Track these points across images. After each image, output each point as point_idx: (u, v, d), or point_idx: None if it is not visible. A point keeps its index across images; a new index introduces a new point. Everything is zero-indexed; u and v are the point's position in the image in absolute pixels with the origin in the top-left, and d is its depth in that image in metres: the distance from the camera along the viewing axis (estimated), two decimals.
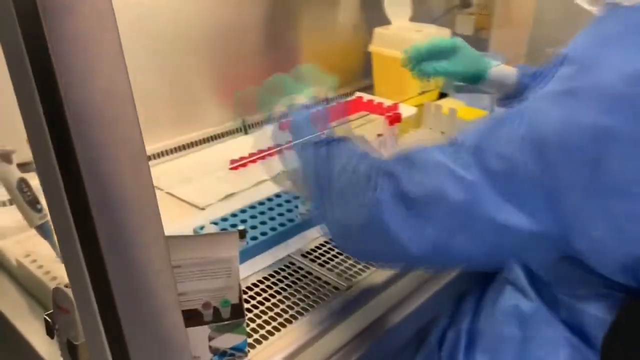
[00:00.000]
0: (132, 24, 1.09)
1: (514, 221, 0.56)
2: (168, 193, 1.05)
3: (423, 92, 1.55)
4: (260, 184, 1.08)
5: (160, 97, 1.19)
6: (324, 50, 1.54)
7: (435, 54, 1.01)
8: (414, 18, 1.60)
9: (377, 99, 1.54)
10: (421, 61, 1.03)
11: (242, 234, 0.83)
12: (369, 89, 1.66)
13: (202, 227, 0.87)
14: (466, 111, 1.35)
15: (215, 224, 0.89)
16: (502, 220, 0.56)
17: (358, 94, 1.60)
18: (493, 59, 1.06)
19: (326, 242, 0.90)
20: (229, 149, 1.25)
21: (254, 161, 1.17)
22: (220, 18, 1.26)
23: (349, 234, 0.69)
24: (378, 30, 1.54)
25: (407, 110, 1.51)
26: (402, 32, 1.51)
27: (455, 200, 0.57)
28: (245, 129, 1.35)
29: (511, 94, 1.05)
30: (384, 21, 1.55)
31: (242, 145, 1.26)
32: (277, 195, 0.98)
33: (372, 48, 1.55)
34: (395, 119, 1.13)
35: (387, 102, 1.52)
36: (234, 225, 0.89)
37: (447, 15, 1.78)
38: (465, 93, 1.34)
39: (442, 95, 1.59)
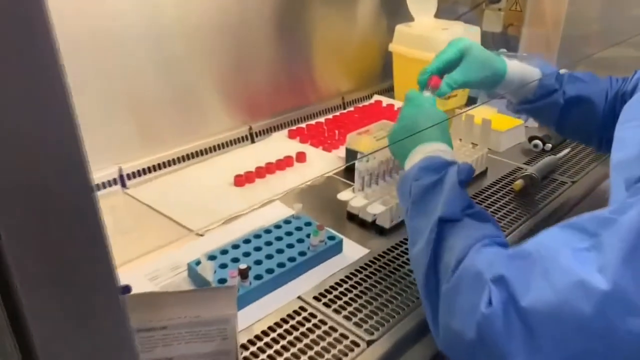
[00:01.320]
0: (130, 19, 0.96)
1: None
2: (163, 214, 0.92)
3: (449, 97, 1.41)
4: (267, 204, 0.96)
5: (160, 102, 1.07)
6: (340, 49, 1.40)
7: (447, 68, 0.88)
8: (439, 14, 1.46)
9: (397, 104, 1.40)
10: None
11: (244, 274, 0.71)
12: (388, 91, 1.52)
13: (197, 263, 0.74)
14: (501, 120, 1.21)
15: (214, 257, 0.76)
16: None
17: (376, 97, 1.47)
18: (513, 57, 0.92)
19: (342, 280, 0.77)
20: (234, 159, 1.12)
21: (261, 175, 1.04)
22: (226, 14, 1.12)
23: (457, 346, 0.55)
24: (400, 28, 1.40)
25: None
26: (426, 30, 1.37)
27: (589, 318, 0.44)
28: (252, 137, 1.22)
29: (532, 98, 0.93)
30: (407, 17, 1.41)
31: (249, 155, 1.14)
32: (287, 222, 0.85)
33: (393, 47, 1.42)
34: None
35: None
36: (235, 260, 0.76)
37: (475, 11, 1.63)
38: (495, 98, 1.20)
39: (470, 99, 1.46)
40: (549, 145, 1.17)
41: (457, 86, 0.86)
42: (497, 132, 1.15)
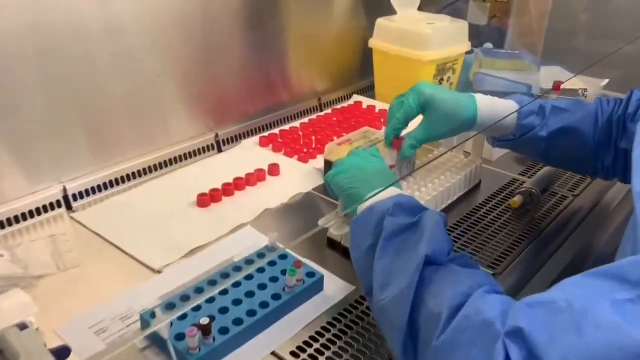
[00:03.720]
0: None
1: None
2: (113, 245, 0.79)
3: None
4: (237, 229, 0.83)
5: (111, 107, 0.93)
6: (316, 45, 1.28)
7: (409, 123, 0.82)
8: (423, 7, 1.35)
9: (379, 105, 1.29)
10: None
11: (206, 329, 0.59)
12: (368, 90, 1.40)
13: (152, 314, 0.61)
14: None
15: (172, 305, 0.64)
16: None
17: (356, 97, 1.35)
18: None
19: (325, 328, 0.65)
20: (198, 173, 0.99)
21: (228, 193, 0.92)
22: (188, 6, 0.99)
23: None
24: (380, 22, 1.29)
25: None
26: (409, 24, 1.26)
27: None
28: (218, 145, 1.09)
29: (511, 136, 0.84)
30: (388, 10, 1.29)
31: (215, 167, 1.01)
32: (259, 255, 0.73)
33: (373, 42, 1.30)
34: None
35: None
36: (196, 309, 0.64)
37: (460, 4, 1.52)
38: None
39: None
40: None
41: (421, 144, 0.80)
42: (488, 142, 1.04)
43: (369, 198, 0.62)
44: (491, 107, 0.80)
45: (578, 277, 0.42)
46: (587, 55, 1.38)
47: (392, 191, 0.63)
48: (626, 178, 0.79)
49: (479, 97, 0.81)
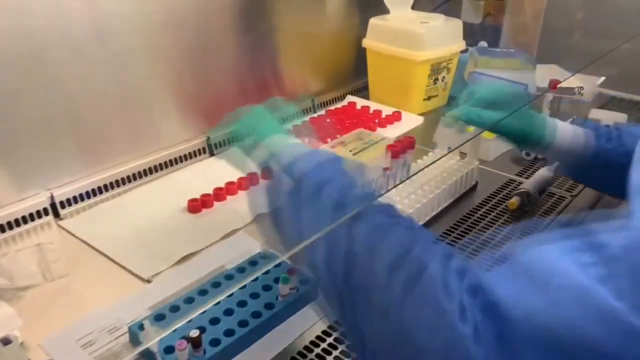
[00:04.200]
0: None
1: None
2: (102, 253, 0.77)
3: (430, 97, 1.29)
4: (229, 235, 0.81)
5: (100, 110, 0.90)
6: (309, 45, 1.25)
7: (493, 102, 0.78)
8: (416, 6, 1.33)
9: (373, 106, 1.27)
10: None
11: (196, 342, 0.57)
12: (362, 90, 1.38)
13: (140, 326, 0.59)
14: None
15: (162, 317, 0.62)
16: None
17: (350, 98, 1.33)
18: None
19: (320, 338, 0.63)
20: (189, 178, 0.97)
21: (220, 198, 0.90)
22: (179, 6, 0.96)
23: None
24: (374, 21, 1.27)
25: (411, 120, 1.25)
26: (403, 24, 1.24)
27: (609, 350, 0.33)
28: (210, 148, 1.07)
29: (576, 162, 0.78)
30: (381, 10, 1.27)
31: (206, 171, 0.99)
32: (252, 263, 0.71)
33: (367, 42, 1.28)
34: (404, 146, 0.86)
35: (387, 110, 1.25)
36: (186, 321, 0.62)
37: (454, 3, 1.51)
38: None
39: (452, 98, 1.33)
40: None
41: (491, 127, 0.78)
42: (485, 139, 1.03)
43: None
44: (567, 131, 0.76)
45: (543, 235, 0.40)
46: (583, 53, 1.37)
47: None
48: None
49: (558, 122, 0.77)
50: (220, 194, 0.90)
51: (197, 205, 0.87)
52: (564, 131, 0.76)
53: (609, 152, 0.75)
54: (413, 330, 0.39)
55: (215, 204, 0.89)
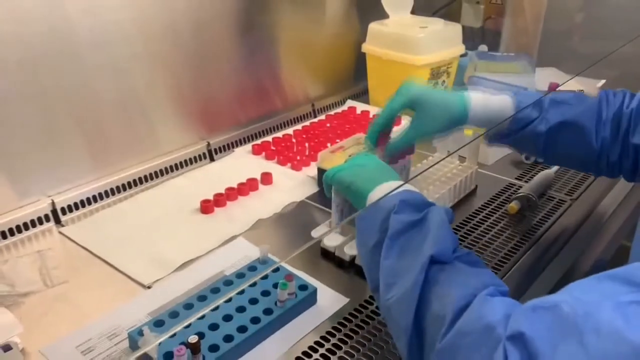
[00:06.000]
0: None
1: None
2: (103, 260, 0.77)
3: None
4: (229, 241, 0.82)
5: (102, 117, 0.91)
6: (309, 51, 1.26)
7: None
8: (416, 10, 1.33)
9: (373, 110, 1.27)
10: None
11: (195, 348, 0.57)
12: (362, 95, 1.39)
13: (140, 332, 0.60)
14: None
15: (161, 323, 0.62)
16: None
17: (350, 103, 1.34)
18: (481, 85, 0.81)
19: (318, 343, 0.64)
20: (190, 183, 0.98)
21: (220, 204, 0.90)
22: (178, 13, 0.97)
23: None
24: (373, 26, 1.27)
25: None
26: (403, 28, 1.24)
27: None
28: (210, 154, 1.08)
29: (507, 131, 0.80)
30: (381, 15, 1.28)
31: (207, 177, 1.00)
32: (251, 268, 0.72)
33: (366, 47, 1.29)
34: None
35: None
36: (185, 326, 0.62)
37: (454, 7, 1.51)
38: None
39: None
40: None
41: (409, 143, 0.80)
42: (484, 143, 1.03)
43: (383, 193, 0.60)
44: (484, 101, 0.77)
45: (585, 280, 0.41)
46: (583, 56, 1.37)
47: (396, 186, 0.60)
48: (634, 175, 0.75)
49: (471, 93, 0.78)
50: (220, 199, 0.90)
51: (197, 212, 0.87)
52: (477, 103, 0.77)
53: (524, 120, 0.77)
54: None
55: (216, 209, 0.89)
